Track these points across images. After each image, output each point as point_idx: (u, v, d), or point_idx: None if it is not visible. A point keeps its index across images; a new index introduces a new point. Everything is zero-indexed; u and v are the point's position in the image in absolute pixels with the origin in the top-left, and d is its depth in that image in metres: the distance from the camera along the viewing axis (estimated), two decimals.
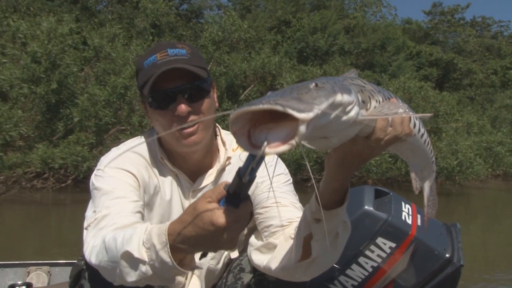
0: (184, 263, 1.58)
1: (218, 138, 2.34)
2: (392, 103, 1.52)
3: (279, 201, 2.20)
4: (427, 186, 2.01)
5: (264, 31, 22.35)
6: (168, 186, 2.24)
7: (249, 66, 18.16)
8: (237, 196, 1.40)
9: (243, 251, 2.36)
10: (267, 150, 1.14)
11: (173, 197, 2.23)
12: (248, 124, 1.20)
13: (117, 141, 15.28)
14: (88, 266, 1.92)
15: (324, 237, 1.76)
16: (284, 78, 17.56)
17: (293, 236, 1.97)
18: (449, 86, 30.14)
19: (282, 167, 2.38)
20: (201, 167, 2.25)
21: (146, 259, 1.56)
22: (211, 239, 1.45)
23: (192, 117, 2.08)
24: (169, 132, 2.12)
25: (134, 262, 1.60)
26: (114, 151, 2.26)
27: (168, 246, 1.51)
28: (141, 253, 1.57)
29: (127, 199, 2.01)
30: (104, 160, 2.20)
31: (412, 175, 1.91)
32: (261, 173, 2.22)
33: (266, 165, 1.49)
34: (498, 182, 23.95)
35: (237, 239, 1.49)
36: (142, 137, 2.34)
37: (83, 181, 14.58)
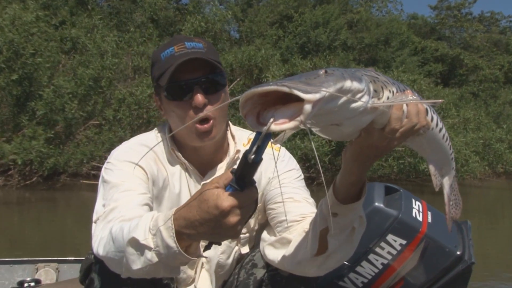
0: (190, 251, 1.61)
1: (228, 132, 2.39)
2: (406, 94, 1.56)
3: (291, 197, 2.26)
4: (446, 184, 2.03)
5: (266, 26, 22.36)
6: (177, 179, 2.29)
7: (235, 59, 17.93)
8: (243, 179, 1.43)
9: (255, 247, 2.41)
10: (272, 126, 1.20)
11: (182, 190, 2.28)
12: (259, 107, 1.26)
13: (88, 138, 15.05)
14: (97, 259, 1.97)
15: (341, 231, 1.81)
16: (271, 71, 17.34)
17: (307, 230, 2.01)
18: (454, 82, 30.01)
19: (293, 163, 2.44)
20: (211, 161, 2.31)
21: (152, 245, 1.59)
22: (214, 223, 1.47)
23: (207, 109, 2.14)
24: (186, 125, 2.17)
25: (140, 248, 1.62)
26: (124, 145, 2.32)
27: (174, 231, 1.54)
28: (147, 239, 1.61)
29: (136, 191, 2.06)
30: (114, 153, 2.26)
31: (432, 171, 1.93)
32: (273, 168, 2.30)
33: (275, 159, 1.54)
34: (501, 181, 23.72)
35: (241, 228, 1.51)
36: (156, 130, 2.40)
37: (51, 178, 14.46)
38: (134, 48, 17.25)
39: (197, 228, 1.51)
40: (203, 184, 2.28)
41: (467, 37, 34.66)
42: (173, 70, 2.09)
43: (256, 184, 2.18)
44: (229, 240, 2.34)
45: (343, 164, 1.71)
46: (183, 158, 2.27)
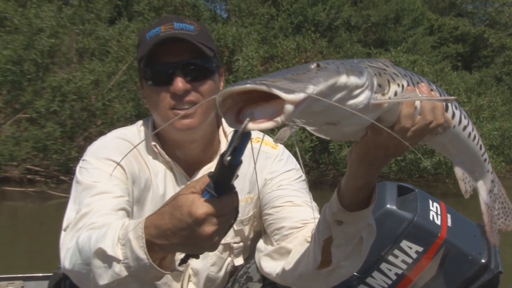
0: (164, 265, 1.65)
1: (220, 129, 2.45)
2: (420, 88, 1.59)
3: (291, 200, 2.32)
4: (482, 189, 2.03)
5: (256, 4, 22.26)
6: (162, 179, 2.34)
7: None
8: (220, 184, 1.47)
9: (249, 258, 2.47)
10: (249, 125, 1.24)
11: (167, 192, 2.32)
12: (240, 103, 1.30)
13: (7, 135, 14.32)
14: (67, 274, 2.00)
15: (347, 241, 1.86)
16: (244, 53, 16.90)
17: (309, 239, 2.07)
18: (478, 65, 29.60)
19: (293, 162, 2.50)
20: (199, 160, 2.36)
21: (121, 257, 1.63)
22: (188, 233, 1.51)
23: (189, 98, 2.20)
24: (170, 121, 2.20)
25: (107, 260, 1.66)
26: (102, 139, 2.37)
27: (144, 241, 1.58)
28: (115, 250, 1.64)
29: (111, 194, 2.10)
30: (90, 149, 2.31)
31: (459, 175, 1.93)
32: (269, 169, 2.36)
33: (253, 148, 1.59)
34: None
35: (218, 239, 1.55)
36: (140, 123, 2.46)
37: None
38: (79, 26, 16.47)
39: (170, 238, 1.55)
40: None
41: (493, 12, 34.41)
42: (153, 51, 2.16)
43: (252, 186, 2.25)
44: (220, 250, 2.40)
45: (348, 166, 1.74)
46: (167, 156, 2.33)
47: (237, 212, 1.55)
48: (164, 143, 2.36)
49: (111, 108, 14.86)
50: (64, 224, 2.08)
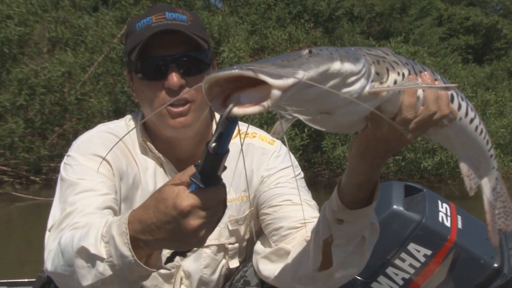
0: (150, 262, 1.67)
1: (214, 124, 2.46)
2: (422, 77, 1.59)
3: (289, 199, 2.34)
4: (486, 187, 2.04)
5: None
6: (151, 176, 2.36)
7: None
8: (207, 175, 1.49)
9: (246, 260, 2.49)
10: (235, 110, 1.26)
11: (156, 189, 2.33)
12: (228, 90, 1.31)
13: None
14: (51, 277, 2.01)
15: (347, 241, 1.88)
16: (231, 44, 16.83)
17: (308, 239, 2.09)
18: (490, 58, 29.54)
19: (291, 159, 2.52)
20: (191, 156, 2.37)
21: (104, 255, 1.65)
22: (173, 228, 1.52)
23: (184, 92, 2.20)
24: (158, 110, 2.22)
25: (90, 259, 1.68)
26: (87, 134, 2.38)
27: (128, 237, 1.59)
28: (98, 248, 1.66)
29: (96, 192, 2.12)
30: (75, 144, 2.33)
31: (464, 171, 1.95)
32: (266, 165, 2.38)
33: (240, 135, 1.61)
34: None
35: (205, 234, 1.56)
36: (129, 117, 2.47)
37: None
38: (52, 14, 16.01)
39: (154, 233, 1.56)
40: None
41: (507, 1, 34.36)
42: (145, 43, 2.16)
43: (248, 184, 2.27)
44: (214, 252, 2.42)
45: (348, 162, 1.77)
46: (156, 151, 2.34)
47: (225, 206, 1.57)
48: (154, 138, 2.37)
49: (86, 103, 14.66)
50: (49, 224, 2.09)
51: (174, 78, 2.17)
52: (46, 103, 14.36)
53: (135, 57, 2.21)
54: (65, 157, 2.31)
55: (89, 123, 14.06)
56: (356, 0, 24.58)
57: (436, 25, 27.45)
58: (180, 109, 2.21)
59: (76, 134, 13.94)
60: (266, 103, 1.23)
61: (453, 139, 1.82)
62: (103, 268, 1.65)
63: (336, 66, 1.37)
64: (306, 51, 1.37)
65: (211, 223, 1.55)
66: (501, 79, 25.67)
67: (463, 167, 1.94)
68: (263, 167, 2.44)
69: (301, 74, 1.28)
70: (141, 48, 2.18)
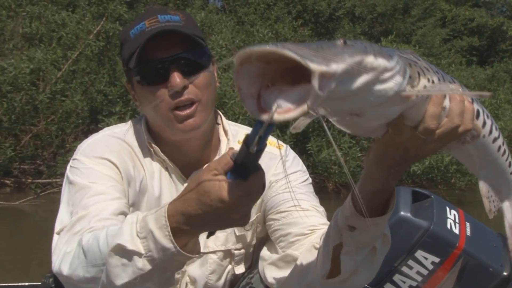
0: (187, 249, 1.70)
1: (220, 127, 2.49)
2: (452, 85, 1.60)
3: (298, 204, 2.35)
4: (508, 212, 2.04)
5: None
6: (157, 180, 2.38)
7: None
8: (245, 167, 1.54)
9: (252, 266, 2.52)
10: (275, 116, 1.26)
11: (162, 194, 2.37)
12: (258, 82, 1.32)
13: None
14: (58, 283, 2.05)
15: (357, 249, 1.89)
16: (215, 41, 16.47)
17: (317, 246, 2.11)
18: (495, 60, 29.17)
19: (299, 163, 2.55)
20: (197, 159, 2.40)
21: (143, 251, 1.68)
22: (220, 217, 1.60)
23: (188, 96, 2.23)
24: (162, 115, 2.25)
25: (127, 256, 1.71)
26: (93, 137, 2.41)
27: (169, 229, 1.64)
28: (135, 244, 1.69)
29: (109, 195, 2.15)
30: (81, 148, 2.34)
31: (483, 191, 1.93)
32: (273, 170, 2.40)
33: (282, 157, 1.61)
34: None
35: (249, 214, 1.65)
36: (133, 121, 2.49)
37: None
38: (26, 8, 15.64)
39: (199, 223, 1.63)
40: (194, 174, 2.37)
41: None
42: (142, 48, 2.18)
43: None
44: (220, 257, 2.46)
45: (365, 168, 1.78)
46: (162, 154, 2.37)
47: (264, 186, 1.62)
48: (160, 141, 2.39)
49: (58, 102, 14.35)
50: (57, 228, 2.11)
51: (177, 78, 2.19)
52: (16, 102, 13.88)
53: (134, 63, 2.22)
54: (71, 161, 2.32)
55: (63, 123, 14.15)
56: (357, 0, 24.59)
57: (439, 26, 27.41)
58: (187, 111, 2.23)
59: (50, 135, 13.98)
60: (305, 105, 1.23)
61: (474, 157, 1.81)
62: (143, 264, 1.69)
63: (370, 59, 1.36)
64: (341, 41, 1.37)
65: (253, 204, 1.64)
66: (502, 81, 25.48)
67: (483, 188, 1.92)
68: (270, 172, 2.45)
69: (336, 64, 1.27)
70: (138, 53, 2.20)
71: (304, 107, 1.23)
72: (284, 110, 1.25)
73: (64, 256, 1.92)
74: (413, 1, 26.06)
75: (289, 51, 1.20)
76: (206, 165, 1.73)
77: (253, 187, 1.56)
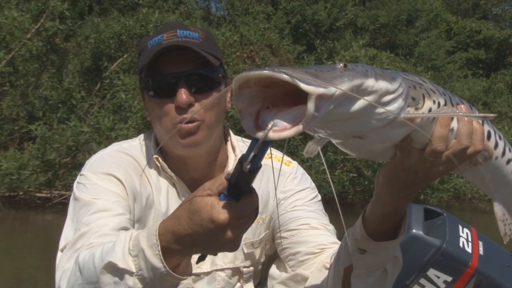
0: (179, 270, 1.74)
1: (228, 143, 2.54)
2: (459, 109, 1.63)
3: (307, 223, 2.40)
4: None
5: (252, 1, 22.32)
6: (164, 196, 2.43)
7: (124, 27, 16.71)
8: (239, 188, 1.57)
9: (261, 283, 2.56)
10: (270, 134, 1.31)
11: (169, 209, 2.40)
12: (258, 104, 1.37)
13: None
14: None
15: (368, 272, 1.93)
16: None
17: (328, 265, 2.16)
18: (503, 73, 29.12)
19: (308, 181, 2.59)
20: (204, 176, 2.42)
21: (134, 269, 1.72)
22: (210, 238, 1.61)
23: (193, 111, 2.27)
24: (168, 130, 2.29)
25: (118, 274, 1.74)
26: (101, 152, 2.46)
27: (160, 248, 1.67)
28: (127, 262, 1.73)
29: (111, 212, 2.19)
30: (88, 163, 2.40)
31: (498, 215, 1.95)
32: (282, 187, 2.44)
33: (274, 170, 1.61)
34: None
35: (240, 239, 1.66)
36: (142, 137, 2.54)
37: None
38: None
39: (188, 243, 1.65)
40: None
41: None
42: (154, 60, 2.24)
43: (264, 206, 2.34)
44: (229, 275, 2.49)
45: (375, 191, 1.81)
46: (169, 170, 2.41)
47: (257, 211, 1.65)
48: (167, 158, 2.44)
49: None
50: (61, 245, 2.16)
51: (183, 95, 2.24)
52: None
53: (145, 74, 2.29)
54: (78, 176, 2.37)
55: None
56: (360, 11, 24.68)
57: (444, 38, 27.46)
58: (189, 126, 2.27)
59: None
60: (300, 125, 1.27)
61: (487, 179, 1.83)
62: (133, 282, 1.72)
63: (370, 82, 1.40)
64: (341, 65, 1.41)
65: (245, 229, 1.64)
66: (499, 93, 25.40)
67: (498, 211, 1.94)
68: (279, 189, 2.49)
69: (334, 87, 1.31)
70: (149, 65, 2.25)
71: (299, 127, 1.27)
72: (279, 128, 1.30)
73: (63, 273, 1.98)
74: (417, 12, 26.12)
75: (285, 75, 1.25)
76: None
77: (245, 210, 1.58)
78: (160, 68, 2.28)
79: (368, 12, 25.51)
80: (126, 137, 12.81)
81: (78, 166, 12.94)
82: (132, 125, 13.85)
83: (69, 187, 13.32)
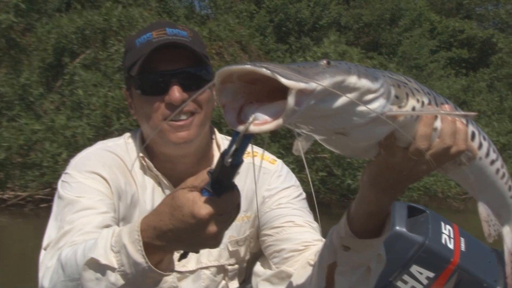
0: (162, 267, 1.77)
1: (214, 142, 2.58)
2: (443, 108, 1.66)
3: (292, 220, 2.46)
4: (508, 237, 2.11)
5: (235, 0, 22.31)
6: (149, 195, 2.46)
7: (87, 22, 16.20)
8: (221, 183, 1.60)
9: (246, 281, 2.61)
10: (251, 127, 1.34)
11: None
12: (242, 99, 1.41)
13: None
14: None
15: (352, 269, 1.98)
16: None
17: (312, 262, 2.21)
18: (483, 72, 29.15)
19: (292, 179, 2.65)
20: (191, 175, 2.40)
21: (116, 265, 1.75)
22: (191, 234, 1.64)
23: (186, 108, 2.31)
24: (157, 125, 2.32)
25: (100, 270, 1.77)
26: (85, 151, 2.49)
27: (142, 244, 1.70)
28: (109, 258, 1.76)
29: (95, 210, 2.22)
30: (73, 162, 2.43)
31: (483, 215, 1.99)
32: (267, 185, 2.49)
33: (254, 167, 1.62)
34: None
35: (222, 236, 1.68)
36: (127, 135, 2.57)
37: None
38: None
39: (170, 239, 1.68)
40: None
41: (503, 14, 34.30)
42: (147, 58, 2.27)
43: (249, 204, 2.38)
44: (214, 273, 2.54)
45: (359, 190, 1.86)
46: (155, 170, 2.45)
47: (239, 208, 1.68)
48: (154, 156, 2.47)
49: None
50: (45, 243, 2.19)
51: (176, 93, 2.27)
52: None
53: (136, 72, 2.30)
54: (63, 175, 2.40)
55: None
56: (343, 10, 24.70)
57: (427, 37, 27.54)
58: (184, 121, 2.31)
59: None
60: (280, 119, 1.31)
61: (471, 180, 1.87)
62: (115, 278, 1.74)
63: (352, 79, 1.43)
64: (324, 61, 1.44)
65: (227, 225, 1.67)
66: (478, 91, 25.41)
67: (482, 211, 1.98)
68: (264, 187, 2.54)
69: (316, 83, 1.34)
70: (142, 62, 2.27)
71: (279, 121, 1.31)
72: (260, 122, 1.33)
73: (45, 271, 2.01)
74: (401, 11, 26.18)
75: (265, 70, 1.29)
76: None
77: (226, 206, 1.61)
78: (151, 66, 2.30)
79: (352, 11, 25.52)
80: (83, 135, 12.82)
81: (32, 166, 12.88)
82: (90, 123, 13.51)
83: (26, 188, 13.12)
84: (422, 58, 25.13)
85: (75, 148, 12.74)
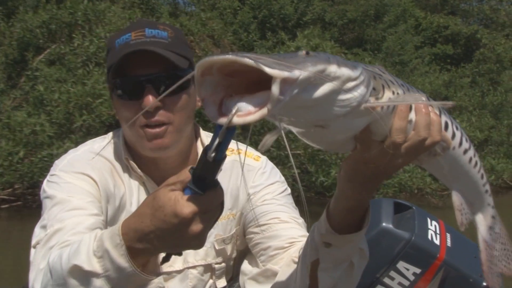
0: (148, 269, 1.75)
1: (198, 141, 2.58)
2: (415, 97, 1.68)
3: (277, 216, 2.47)
4: (481, 225, 2.13)
5: None
6: (136, 197, 2.46)
7: (52, 16, 15.92)
8: (203, 180, 1.57)
9: (233, 279, 2.63)
10: (235, 119, 1.31)
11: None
12: (222, 92, 1.38)
13: None
14: None
15: (335, 266, 1.98)
16: (97, 34, 15.59)
17: (296, 260, 2.23)
18: (464, 67, 29.27)
19: (277, 174, 2.66)
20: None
21: (100, 271, 1.73)
22: (174, 234, 1.61)
23: (158, 117, 2.29)
24: (134, 129, 2.33)
25: (85, 277, 1.75)
26: (71, 153, 2.48)
27: (125, 247, 1.67)
28: (92, 264, 1.73)
29: (86, 211, 2.21)
30: (60, 164, 2.42)
31: (456, 204, 2.00)
32: (251, 182, 2.50)
33: (241, 164, 1.60)
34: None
35: (205, 236, 1.65)
36: (110, 135, 2.57)
37: None
38: None
39: (153, 240, 1.65)
40: None
41: (487, 11, 34.45)
42: (121, 62, 2.26)
43: (234, 202, 2.39)
44: (201, 272, 2.55)
45: (337, 185, 1.87)
46: (139, 171, 2.45)
47: (222, 206, 1.66)
48: (137, 157, 2.47)
49: None
50: (34, 241, 2.18)
51: (150, 99, 2.25)
52: None
53: (111, 75, 2.32)
54: (48, 176, 2.40)
55: None
56: (327, 6, 24.73)
57: (412, 33, 27.61)
58: (157, 130, 2.30)
59: None
60: (265, 109, 1.28)
61: (445, 169, 1.89)
62: (100, 284, 1.72)
63: (333, 68, 1.41)
64: (303, 52, 1.43)
65: (210, 225, 1.65)
66: (459, 87, 25.43)
67: (456, 200, 2.00)
68: (248, 184, 2.55)
69: (298, 73, 1.32)
70: (116, 67, 2.27)
71: (264, 111, 1.28)
72: (244, 113, 1.31)
73: (38, 273, 2.01)
74: (385, 7, 26.24)
75: (249, 60, 1.27)
76: None
77: (210, 204, 1.59)
78: (127, 69, 2.29)
79: (336, 7, 25.55)
80: (43, 133, 12.69)
81: None
82: (52, 120, 13.32)
83: None
84: (406, 54, 25.20)
85: (34, 146, 12.83)
